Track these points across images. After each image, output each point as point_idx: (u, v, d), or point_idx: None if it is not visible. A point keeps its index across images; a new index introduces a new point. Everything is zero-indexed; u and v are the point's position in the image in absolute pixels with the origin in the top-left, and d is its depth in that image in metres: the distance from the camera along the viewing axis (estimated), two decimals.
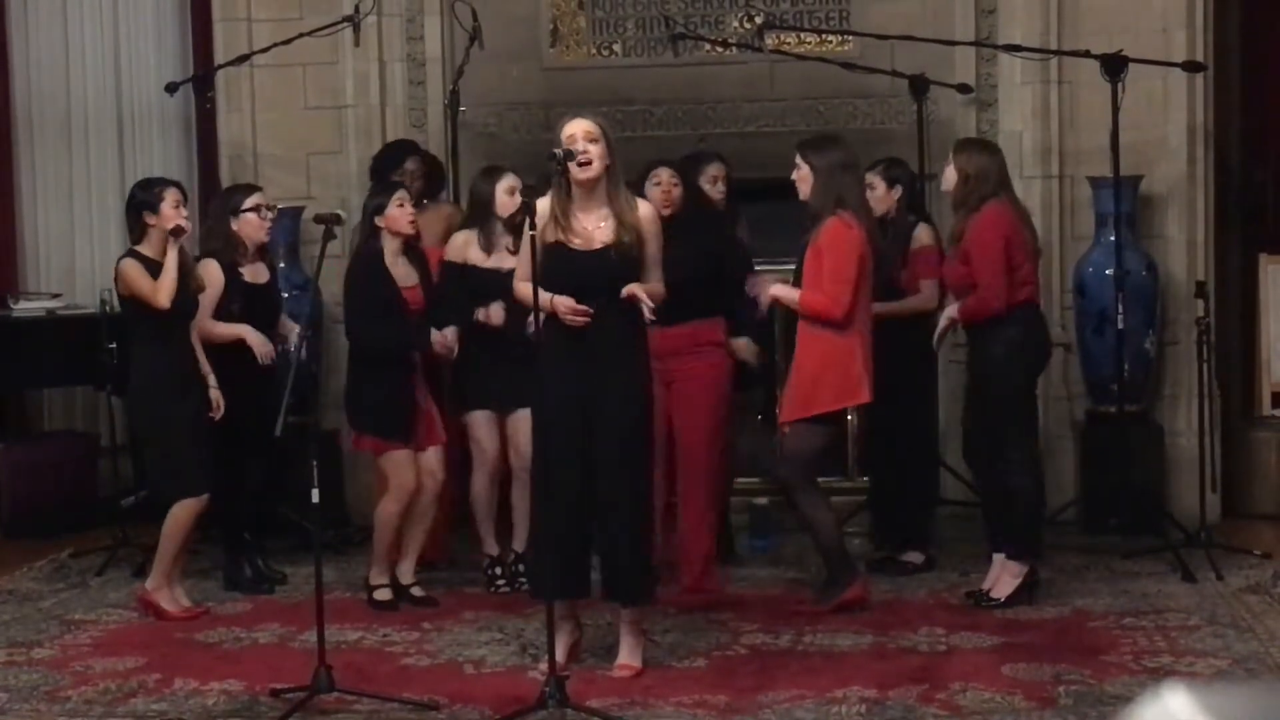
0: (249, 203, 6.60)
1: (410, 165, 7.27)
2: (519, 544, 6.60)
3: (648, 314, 5.24)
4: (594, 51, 8.35)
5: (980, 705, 5.00)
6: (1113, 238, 7.34)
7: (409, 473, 6.36)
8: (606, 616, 5.66)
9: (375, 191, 6.62)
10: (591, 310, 5.20)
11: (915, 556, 6.84)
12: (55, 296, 8.45)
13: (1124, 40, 7.32)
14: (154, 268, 6.17)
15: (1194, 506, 7.27)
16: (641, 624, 5.50)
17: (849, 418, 7.29)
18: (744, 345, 6.55)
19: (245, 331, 6.51)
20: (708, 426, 6.40)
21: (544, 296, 5.17)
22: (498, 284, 6.38)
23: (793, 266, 6.35)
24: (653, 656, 5.53)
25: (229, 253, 6.54)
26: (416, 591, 6.47)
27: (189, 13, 8.79)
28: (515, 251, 6.36)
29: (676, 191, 6.46)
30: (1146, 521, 7.14)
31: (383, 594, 6.43)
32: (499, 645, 5.82)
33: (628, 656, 5.41)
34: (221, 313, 6.52)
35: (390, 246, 6.41)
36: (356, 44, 8.01)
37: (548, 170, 5.24)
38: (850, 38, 8.10)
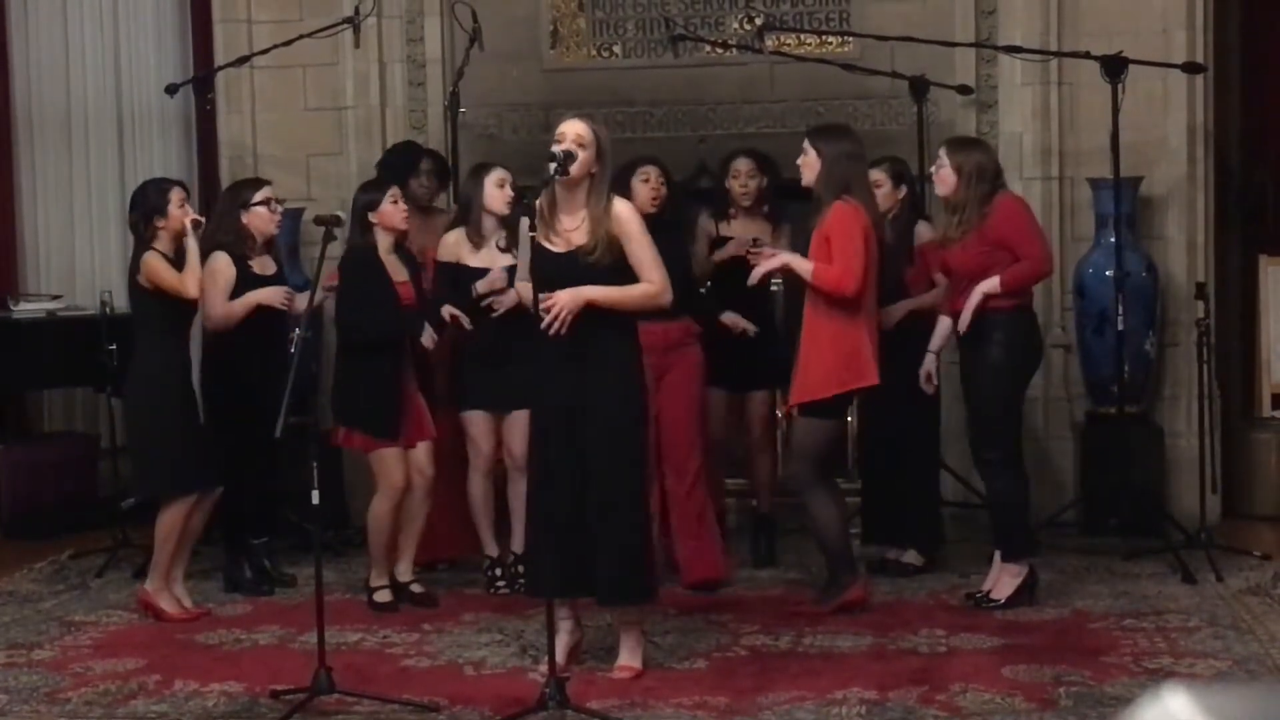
0: (259, 196, 6.62)
1: (425, 165, 7.28)
2: (517, 545, 6.60)
3: (546, 320, 5.16)
4: (594, 53, 8.35)
5: (980, 706, 5.00)
6: (1113, 239, 7.34)
7: (399, 471, 6.37)
8: (607, 618, 5.65)
9: (367, 187, 6.62)
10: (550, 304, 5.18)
11: (915, 557, 6.84)
12: (55, 298, 8.45)
13: (1124, 41, 7.32)
14: (172, 263, 6.22)
15: (1194, 508, 7.27)
16: (641, 625, 5.50)
17: (849, 419, 7.29)
18: (733, 318, 6.73)
19: (259, 295, 6.51)
20: (690, 418, 6.51)
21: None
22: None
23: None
24: (653, 658, 5.53)
25: (239, 246, 6.56)
26: (416, 588, 6.48)
27: (189, 14, 8.80)
28: (505, 249, 6.38)
29: (665, 190, 6.50)
30: (1147, 523, 7.14)
31: (382, 595, 6.43)
32: (499, 646, 5.82)
33: (628, 658, 5.41)
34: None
35: (383, 242, 6.41)
36: (356, 45, 8.01)
37: (549, 171, 5.23)
38: (850, 39, 8.10)
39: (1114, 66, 6.98)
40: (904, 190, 6.82)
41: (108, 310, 7.33)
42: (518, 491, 6.47)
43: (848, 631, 5.90)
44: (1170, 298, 7.83)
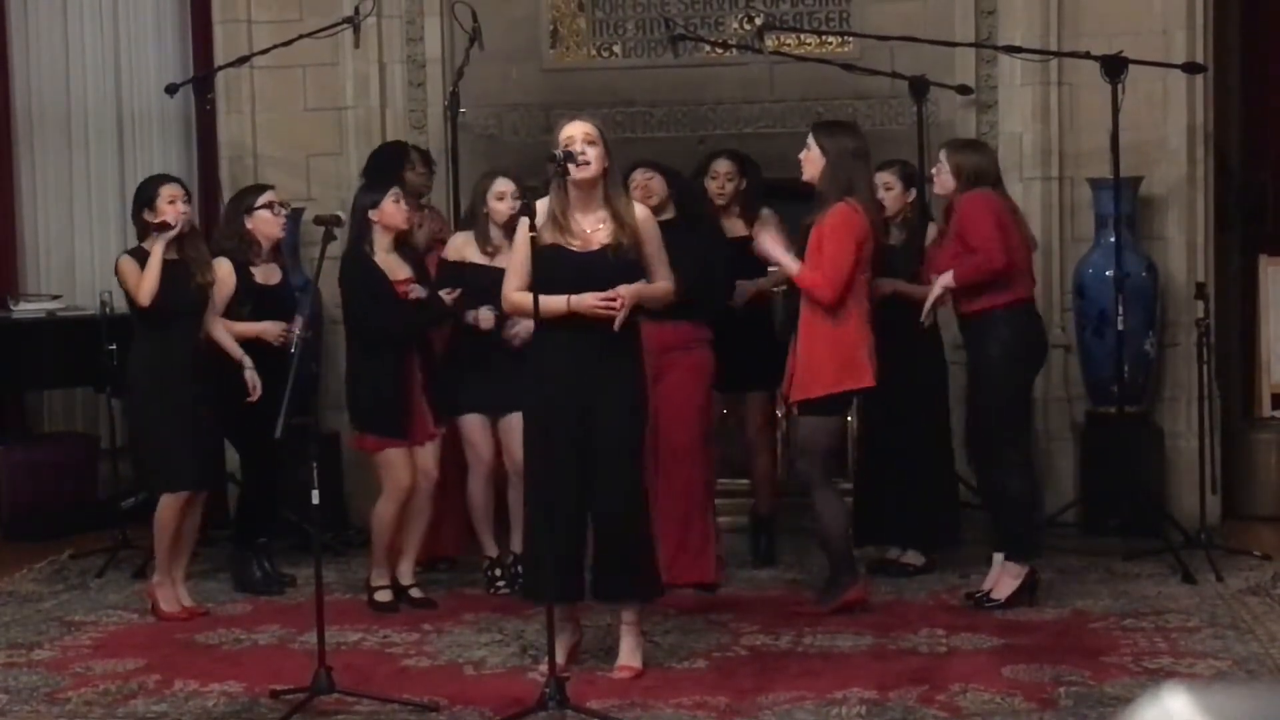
0: (262, 200, 6.62)
1: (416, 159, 7.29)
2: (517, 545, 6.59)
3: (617, 322, 5.22)
4: (594, 53, 8.35)
5: (980, 706, 5.00)
6: (1112, 239, 7.34)
7: (405, 472, 6.37)
8: (607, 618, 5.66)
9: (368, 187, 6.63)
10: (617, 298, 5.20)
11: (915, 557, 6.84)
12: (55, 298, 8.45)
13: (1124, 41, 7.32)
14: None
15: (1194, 508, 7.27)
16: (641, 625, 5.50)
17: (849, 419, 7.29)
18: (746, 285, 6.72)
19: (258, 329, 6.52)
20: (690, 419, 6.46)
21: (558, 299, 5.17)
22: (494, 280, 6.40)
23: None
24: (653, 658, 5.53)
25: (243, 251, 6.56)
26: (415, 593, 6.47)
27: (189, 14, 8.79)
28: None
29: (655, 184, 6.48)
30: (1147, 523, 7.13)
31: (383, 595, 6.43)
32: (499, 646, 5.82)
33: (628, 658, 5.41)
34: (231, 315, 6.54)
35: (381, 242, 6.41)
36: (356, 45, 8.01)
37: (548, 173, 5.24)
38: (850, 39, 8.09)
39: (1114, 67, 6.98)
40: (914, 193, 6.83)
41: (107, 310, 7.33)
42: (518, 494, 6.46)
43: (848, 631, 5.90)
44: (1170, 298, 7.82)
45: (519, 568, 6.56)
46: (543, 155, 5.40)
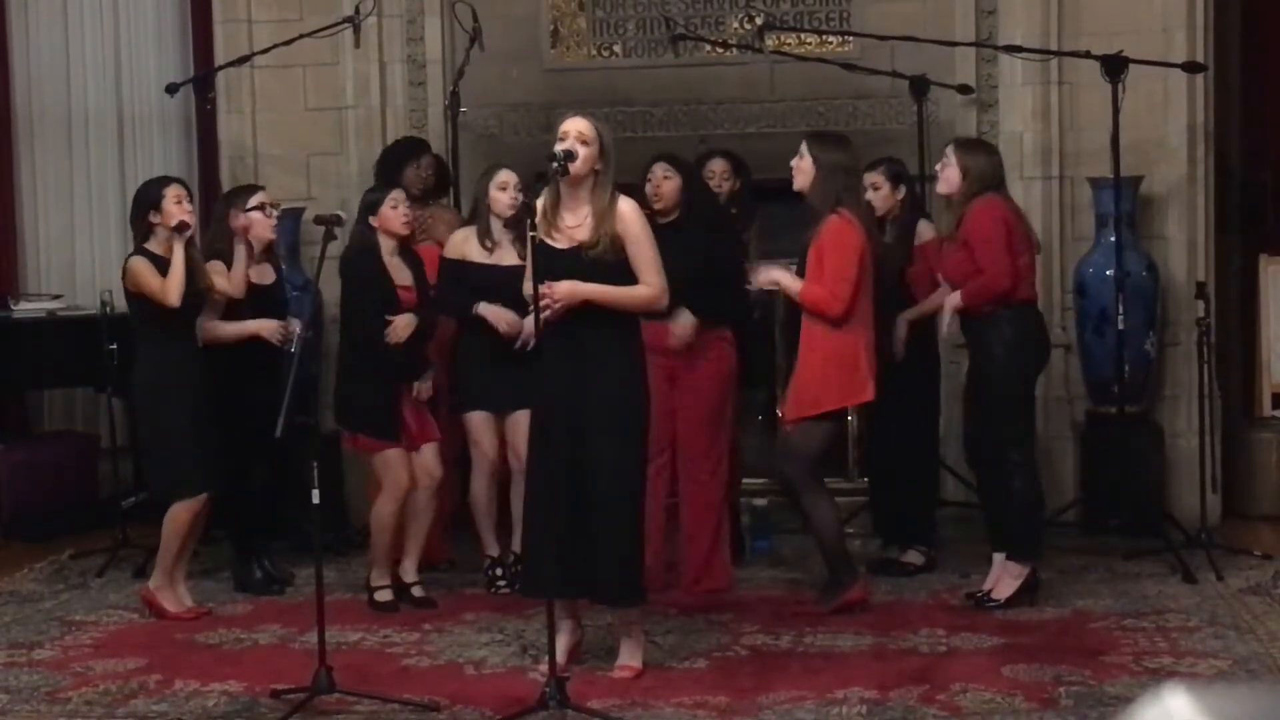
0: (253, 201, 6.61)
1: (425, 159, 7.28)
2: (519, 545, 6.58)
3: (546, 315, 5.16)
4: (594, 52, 8.35)
5: (981, 706, 5.00)
6: (1113, 238, 7.34)
7: (402, 471, 6.37)
8: (607, 617, 5.65)
9: (372, 189, 6.63)
10: (546, 295, 5.15)
11: (915, 557, 6.84)
12: (56, 298, 8.45)
13: (1124, 41, 7.31)
14: (162, 265, 6.19)
15: (1194, 507, 7.26)
16: (641, 625, 5.50)
17: (849, 418, 7.30)
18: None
19: (256, 326, 6.51)
20: (710, 422, 6.45)
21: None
22: (495, 279, 6.40)
23: (794, 265, 6.36)
24: (653, 657, 5.53)
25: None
26: (417, 592, 6.47)
27: (189, 14, 8.79)
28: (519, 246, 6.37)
29: (668, 186, 6.46)
30: (1147, 522, 7.14)
31: (383, 595, 6.43)
32: (500, 646, 5.82)
33: (628, 657, 5.41)
34: (230, 316, 6.53)
35: (385, 245, 6.42)
36: (357, 45, 8.00)
37: (547, 171, 5.24)
38: (850, 38, 8.10)
39: (1114, 66, 6.98)
40: (903, 191, 6.81)
41: (108, 310, 7.32)
42: (520, 493, 6.45)
43: (848, 631, 5.90)
44: (1170, 297, 7.82)
45: (520, 567, 6.56)
46: (543, 155, 5.40)
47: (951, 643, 5.76)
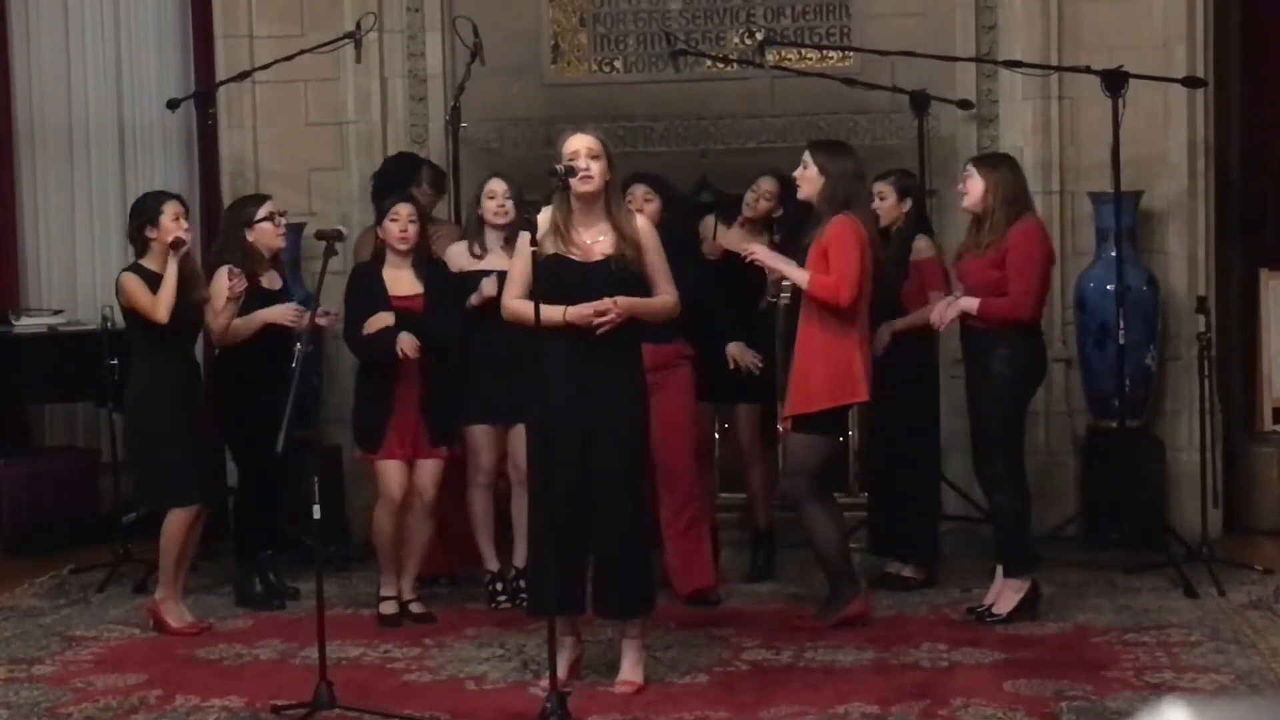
0: (263, 211, 6.63)
1: (425, 177, 7.29)
2: (519, 559, 6.58)
3: (603, 328, 5.21)
4: (595, 67, 8.37)
5: None
6: (1113, 253, 7.34)
7: (394, 484, 6.37)
8: (608, 632, 5.65)
9: (381, 201, 6.68)
10: (610, 309, 5.20)
11: (916, 572, 6.84)
12: (57, 313, 8.46)
13: (1124, 56, 7.32)
14: (155, 280, 6.20)
15: (1195, 521, 7.26)
16: (643, 640, 5.50)
17: (850, 433, 7.30)
18: (738, 350, 6.68)
19: (268, 313, 6.52)
20: (686, 432, 6.54)
21: (555, 310, 5.18)
22: (477, 283, 6.45)
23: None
24: (654, 672, 5.52)
25: (246, 264, 6.54)
26: (415, 608, 6.46)
27: (191, 29, 8.80)
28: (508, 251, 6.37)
29: (650, 208, 6.46)
30: (1148, 537, 7.13)
31: (386, 607, 6.43)
32: (500, 661, 5.81)
33: (629, 672, 5.41)
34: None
35: (391, 256, 6.44)
36: (358, 60, 8.03)
37: (550, 185, 5.26)
38: (851, 54, 8.12)
39: (1114, 81, 6.99)
40: (909, 204, 6.81)
41: (108, 325, 7.33)
42: (521, 506, 6.45)
43: (849, 646, 5.89)
44: (1171, 312, 7.83)
45: (520, 582, 6.55)
46: (544, 169, 5.42)
47: (953, 657, 5.75)
